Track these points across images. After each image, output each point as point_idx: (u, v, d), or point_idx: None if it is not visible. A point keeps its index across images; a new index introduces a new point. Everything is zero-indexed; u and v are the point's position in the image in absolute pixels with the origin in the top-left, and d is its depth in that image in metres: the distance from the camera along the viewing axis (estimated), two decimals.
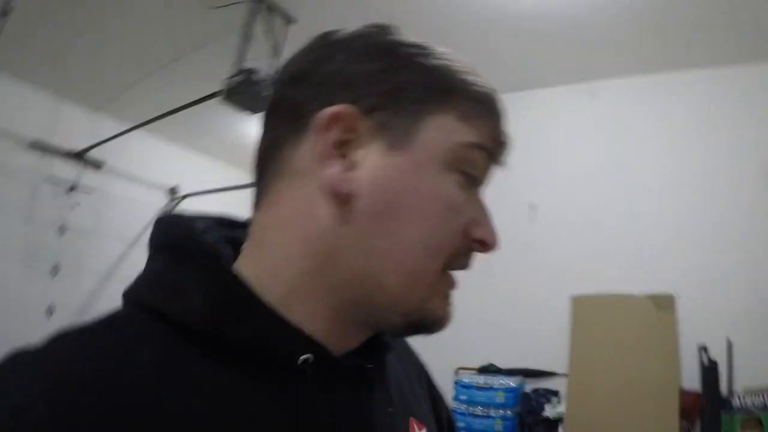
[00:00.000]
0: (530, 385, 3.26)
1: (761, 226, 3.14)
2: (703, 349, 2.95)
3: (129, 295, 0.47)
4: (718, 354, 2.92)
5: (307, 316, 0.46)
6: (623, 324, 3.15)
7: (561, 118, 3.60)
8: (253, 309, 0.44)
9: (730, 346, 2.91)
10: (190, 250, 0.46)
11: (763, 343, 2.92)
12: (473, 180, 0.49)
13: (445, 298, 0.50)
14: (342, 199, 0.45)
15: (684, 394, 2.93)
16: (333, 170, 0.45)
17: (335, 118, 0.45)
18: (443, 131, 0.47)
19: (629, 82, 3.54)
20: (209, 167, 4.75)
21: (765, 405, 2.82)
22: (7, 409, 0.35)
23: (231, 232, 0.53)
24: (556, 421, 3.09)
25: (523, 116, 3.38)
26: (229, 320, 0.43)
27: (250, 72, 2.86)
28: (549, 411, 3.13)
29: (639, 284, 3.15)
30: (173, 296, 0.44)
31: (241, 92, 2.87)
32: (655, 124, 3.48)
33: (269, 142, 0.50)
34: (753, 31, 2.99)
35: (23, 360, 0.40)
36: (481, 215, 0.50)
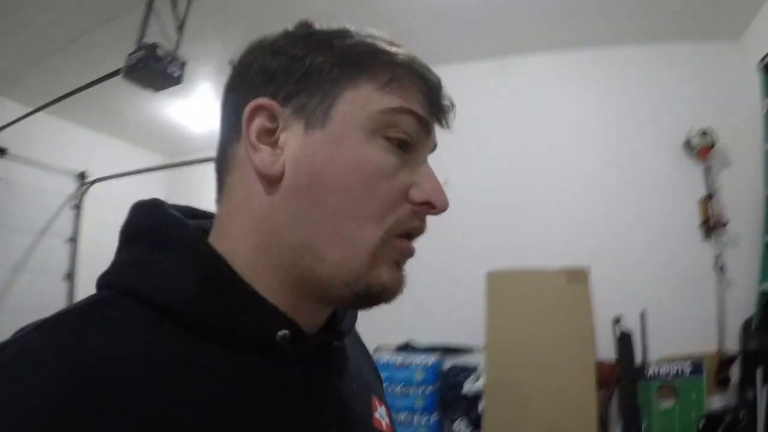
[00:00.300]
0: (449, 362, 3.28)
1: (673, 201, 3.24)
2: (617, 320, 3.03)
3: (106, 280, 0.48)
4: (634, 325, 3.01)
5: (268, 293, 0.48)
6: (538, 297, 3.20)
7: (474, 94, 3.59)
8: (237, 290, 0.47)
9: (644, 318, 3.00)
10: (175, 235, 0.49)
11: (675, 315, 3.03)
12: (405, 144, 0.50)
13: (394, 266, 0.51)
14: (272, 180, 0.49)
15: (601, 365, 3.00)
16: (260, 155, 0.49)
17: (257, 110, 0.49)
18: (359, 102, 0.49)
19: (542, 59, 3.58)
20: (119, 150, 4.57)
21: (679, 373, 2.93)
22: (29, 409, 0.35)
23: (198, 222, 0.55)
24: (474, 396, 3.11)
25: None
26: (215, 301, 0.46)
27: (152, 47, 2.74)
28: (467, 386, 3.15)
29: (553, 259, 3.21)
30: (159, 279, 0.46)
31: (143, 69, 2.75)
32: (568, 100, 3.53)
33: (220, 145, 0.54)
34: (669, 10, 3.07)
35: (22, 357, 0.39)
36: (422, 177, 0.51)
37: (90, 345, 0.40)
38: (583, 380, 2.97)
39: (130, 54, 2.74)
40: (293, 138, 0.49)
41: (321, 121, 0.49)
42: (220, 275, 0.47)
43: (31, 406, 0.35)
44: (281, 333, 0.46)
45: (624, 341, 2.97)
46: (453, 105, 0.54)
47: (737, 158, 3.13)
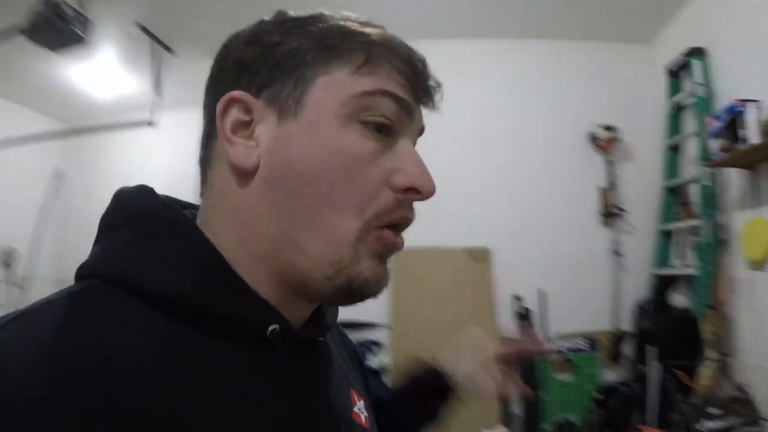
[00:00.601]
0: (354, 337, 3.30)
1: (575, 189, 3.45)
2: (517, 298, 3.20)
3: (90, 269, 0.45)
4: (534, 304, 3.21)
5: (254, 287, 0.47)
6: (441, 275, 3.30)
7: None
8: (232, 282, 0.46)
9: (543, 296, 3.19)
10: (170, 222, 0.47)
11: (573, 295, 3.25)
12: (384, 127, 0.48)
13: (377, 259, 0.48)
14: (248, 173, 0.47)
15: (505, 341, 3.14)
16: (234, 148, 0.47)
17: (230, 103, 0.48)
18: (333, 88, 0.47)
19: (454, 46, 3.59)
20: (10, 113, 4.10)
21: (575, 348, 3.17)
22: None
23: (179, 201, 0.54)
24: (380, 371, 3.18)
25: None
26: (212, 292, 0.44)
27: (55, 3, 2.52)
28: (373, 361, 3.22)
29: (456, 239, 3.31)
30: (153, 268, 0.44)
31: (44, 26, 2.52)
32: (478, 87, 3.60)
33: (202, 140, 0.52)
34: (585, 10, 3.20)
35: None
36: (406, 162, 0.49)
37: (80, 340, 0.38)
38: None
39: (31, 10, 2.51)
40: (267, 129, 0.48)
41: (294, 110, 0.47)
42: (217, 267, 0.46)
43: (17, 411, 0.34)
44: (272, 327, 0.46)
45: (522, 317, 3.16)
46: (439, 85, 0.52)
47: (638, 153, 3.37)
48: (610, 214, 3.31)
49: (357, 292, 0.48)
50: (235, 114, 0.48)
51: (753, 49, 2.54)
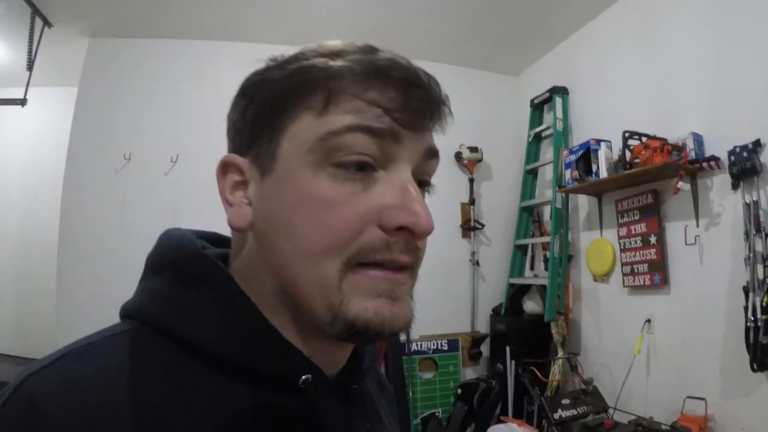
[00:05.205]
0: None
1: (438, 201, 3.52)
2: None
3: (132, 310, 0.47)
4: None
5: (285, 334, 0.47)
6: None
7: (212, 71, 3.25)
8: (266, 332, 0.46)
9: None
10: (202, 271, 0.47)
11: (434, 298, 3.42)
12: (365, 165, 0.44)
13: (377, 298, 0.44)
14: (244, 233, 0.49)
15: None
16: (229, 211, 0.48)
17: (225, 167, 0.49)
18: (299, 136, 0.45)
19: None
20: None
21: (437, 348, 3.40)
22: None
23: (222, 249, 0.53)
24: None
25: (173, 65, 3.22)
26: (246, 342, 0.45)
27: None
28: None
29: None
30: (190, 317, 0.45)
31: None
32: None
33: None
34: (455, 36, 3.32)
35: (44, 391, 0.38)
36: (395, 198, 0.44)
37: (118, 388, 0.40)
38: None
39: None
40: (254, 189, 0.48)
41: (270, 166, 0.46)
42: (250, 317, 0.46)
43: None
44: (304, 377, 0.46)
45: None
46: (435, 100, 0.46)
47: (498, 173, 3.72)
48: (470, 227, 3.58)
49: (364, 334, 0.44)
50: (232, 177, 0.48)
51: (608, 94, 2.90)
